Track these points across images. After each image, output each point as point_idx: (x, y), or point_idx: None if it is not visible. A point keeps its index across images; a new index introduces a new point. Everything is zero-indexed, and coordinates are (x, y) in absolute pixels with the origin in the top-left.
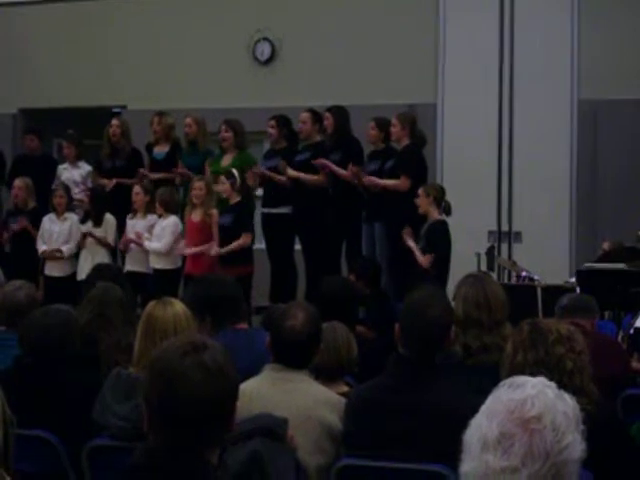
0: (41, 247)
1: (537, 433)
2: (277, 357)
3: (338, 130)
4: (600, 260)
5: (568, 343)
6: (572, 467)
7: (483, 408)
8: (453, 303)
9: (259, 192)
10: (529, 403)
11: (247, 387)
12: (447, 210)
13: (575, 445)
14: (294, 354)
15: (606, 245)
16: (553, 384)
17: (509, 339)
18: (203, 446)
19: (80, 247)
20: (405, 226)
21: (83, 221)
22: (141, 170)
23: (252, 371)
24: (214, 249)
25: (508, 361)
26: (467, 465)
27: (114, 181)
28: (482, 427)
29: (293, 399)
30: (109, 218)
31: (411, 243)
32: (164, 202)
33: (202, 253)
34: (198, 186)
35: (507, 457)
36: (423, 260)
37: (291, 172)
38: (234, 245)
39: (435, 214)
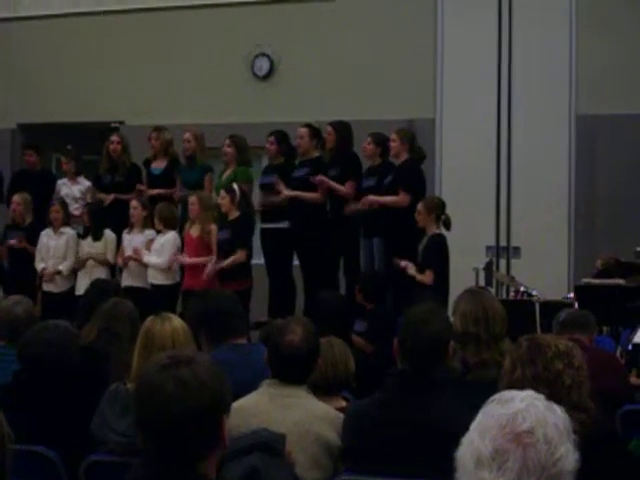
0: (39, 265)
1: (530, 447)
2: (275, 372)
3: (338, 145)
4: (595, 277)
5: (567, 358)
6: (567, 478)
7: (474, 425)
8: (452, 318)
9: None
10: (520, 417)
11: (245, 403)
12: (447, 224)
13: (568, 456)
14: (292, 369)
15: (599, 263)
16: (542, 396)
17: (507, 354)
18: (190, 459)
19: (80, 266)
20: (405, 242)
21: (83, 237)
22: (139, 186)
23: (250, 386)
24: (210, 266)
25: (506, 377)
26: None
27: (112, 196)
28: (475, 444)
29: (291, 414)
30: (109, 234)
31: (406, 266)
32: (163, 218)
33: (200, 268)
34: (191, 201)
35: (502, 473)
36: (424, 278)
37: (287, 192)
38: (229, 261)
39: (433, 228)
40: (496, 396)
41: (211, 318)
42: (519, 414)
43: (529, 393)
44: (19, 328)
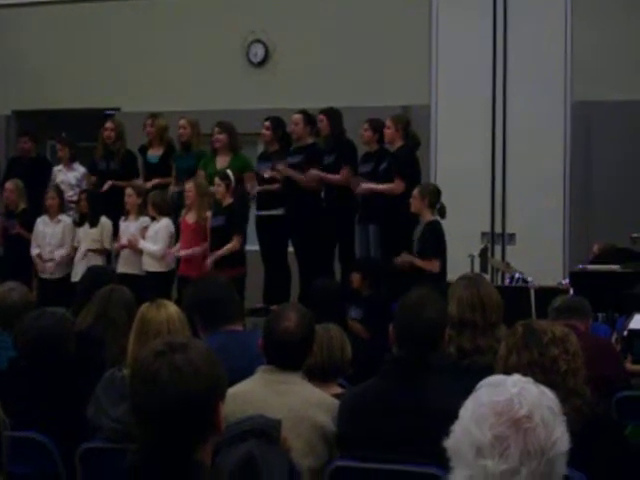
0: (34, 251)
1: (530, 431)
2: (270, 359)
3: (333, 133)
4: (591, 263)
5: (562, 345)
6: (562, 460)
7: (467, 414)
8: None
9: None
10: (516, 403)
11: (240, 389)
12: (442, 212)
13: (563, 438)
14: (287, 356)
15: (595, 248)
16: (530, 380)
17: (503, 340)
18: (186, 446)
19: (75, 255)
20: (400, 229)
21: (80, 224)
22: (134, 182)
23: (246, 372)
24: (209, 257)
25: (502, 362)
26: (462, 472)
27: (110, 183)
28: (472, 433)
29: (286, 401)
30: (105, 221)
31: (410, 259)
32: (156, 205)
33: (196, 254)
34: (188, 188)
35: (505, 459)
36: (430, 265)
37: (287, 170)
38: (224, 250)
39: (428, 215)
40: (484, 382)
41: (205, 305)
42: (515, 399)
43: (518, 377)
44: (14, 314)
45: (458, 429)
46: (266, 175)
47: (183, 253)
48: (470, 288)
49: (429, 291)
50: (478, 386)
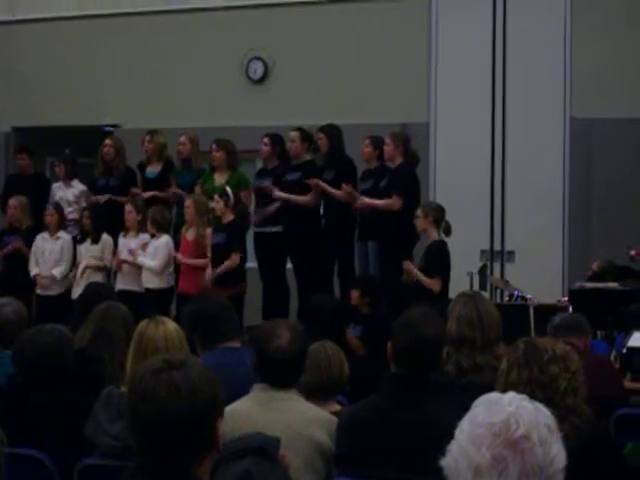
0: (33, 270)
1: (528, 452)
2: (264, 377)
3: (332, 149)
4: (590, 280)
5: (563, 363)
6: (560, 476)
7: (463, 434)
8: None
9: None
10: (513, 423)
11: (236, 407)
12: (447, 230)
13: (560, 454)
14: (281, 374)
15: (595, 265)
16: (526, 397)
17: (504, 356)
18: (184, 463)
19: (75, 272)
20: (400, 246)
21: (81, 240)
22: (133, 190)
23: (245, 389)
24: (207, 273)
25: (502, 378)
26: None
27: (107, 196)
28: (470, 454)
29: (283, 418)
30: (106, 238)
31: (416, 272)
32: (156, 221)
33: (195, 272)
34: (187, 204)
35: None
36: (432, 284)
37: (279, 194)
38: (223, 267)
39: (434, 234)
40: (480, 400)
41: (204, 322)
42: (511, 419)
43: (513, 395)
44: (9, 330)
45: (455, 449)
46: (276, 193)
47: (186, 260)
48: (469, 305)
49: (428, 309)
50: (474, 405)
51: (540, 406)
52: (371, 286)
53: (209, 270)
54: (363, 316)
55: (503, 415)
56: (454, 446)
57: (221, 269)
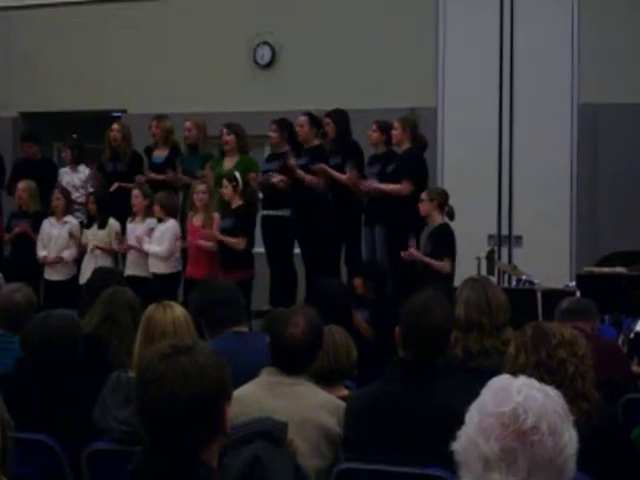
0: (41, 252)
1: (537, 443)
2: (275, 362)
3: (338, 134)
4: (598, 265)
5: (570, 347)
6: (572, 461)
7: (473, 423)
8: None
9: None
10: (521, 413)
11: (244, 391)
12: (450, 215)
13: (572, 441)
14: (292, 361)
15: None
16: (535, 382)
17: (512, 340)
18: (192, 447)
19: (83, 253)
20: (406, 231)
21: (88, 225)
22: (139, 177)
23: (253, 373)
24: (211, 235)
25: (510, 362)
26: None
27: (116, 185)
28: (479, 445)
29: (290, 403)
30: (113, 223)
31: (420, 255)
32: (164, 206)
33: (202, 257)
34: (201, 189)
35: (513, 472)
36: (442, 266)
37: (298, 172)
38: (228, 240)
39: (438, 218)
40: (489, 386)
41: (211, 307)
42: (520, 409)
43: (522, 381)
44: (18, 315)
45: (464, 438)
46: (274, 180)
47: (195, 241)
48: (477, 290)
49: (435, 294)
50: (483, 391)
51: (550, 391)
52: (372, 272)
53: (216, 232)
54: (369, 300)
55: (512, 404)
56: (463, 434)
57: (226, 240)
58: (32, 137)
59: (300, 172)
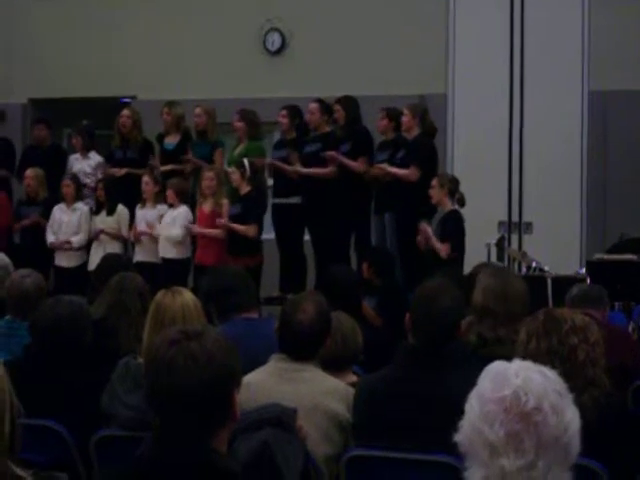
0: (50, 238)
1: (542, 423)
2: (283, 348)
3: (348, 121)
4: (608, 252)
5: (582, 334)
6: (576, 437)
7: (474, 411)
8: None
9: (270, 182)
10: (522, 395)
11: (253, 378)
12: (461, 202)
13: (575, 418)
14: (300, 347)
15: None
16: (531, 364)
17: (523, 327)
18: (202, 433)
19: (92, 239)
20: (416, 218)
21: (96, 212)
22: (150, 163)
23: (262, 360)
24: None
25: (521, 348)
26: (478, 472)
27: (124, 170)
28: (484, 432)
29: (300, 389)
30: (122, 209)
31: (429, 232)
32: (178, 192)
33: (212, 243)
34: (209, 176)
35: (521, 455)
36: (441, 248)
37: (301, 169)
38: (238, 228)
39: (449, 205)
40: (485, 373)
41: (220, 293)
42: (520, 392)
43: (519, 364)
44: (28, 302)
45: (467, 427)
46: (299, 168)
47: (201, 230)
48: (497, 278)
49: (445, 281)
50: (480, 379)
51: (547, 372)
52: (378, 258)
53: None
54: (377, 288)
55: (512, 388)
56: (466, 423)
57: (236, 228)
58: (45, 120)
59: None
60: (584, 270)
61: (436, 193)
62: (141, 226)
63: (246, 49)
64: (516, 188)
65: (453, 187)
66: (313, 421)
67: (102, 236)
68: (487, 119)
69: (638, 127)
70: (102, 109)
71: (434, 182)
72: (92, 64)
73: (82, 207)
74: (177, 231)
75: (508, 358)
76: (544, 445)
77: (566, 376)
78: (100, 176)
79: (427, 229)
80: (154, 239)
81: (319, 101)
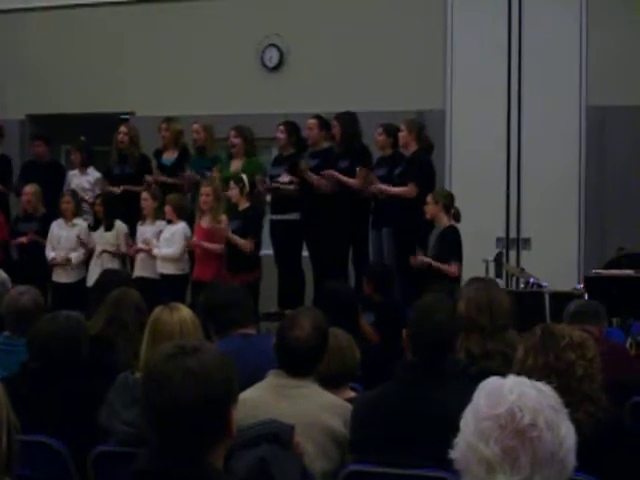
0: (50, 254)
1: (537, 440)
2: (281, 364)
3: (346, 137)
4: (606, 267)
5: (580, 349)
6: (572, 452)
7: (469, 428)
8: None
9: (268, 198)
10: (517, 411)
11: (251, 394)
12: (457, 217)
13: (569, 433)
14: (298, 363)
15: None
16: (526, 380)
17: (520, 343)
18: (198, 449)
19: (91, 255)
20: (414, 233)
21: (94, 228)
22: (148, 178)
23: (259, 376)
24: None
25: (519, 364)
26: None
27: (121, 188)
28: (479, 449)
29: (297, 405)
30: (120, 225)
31: (428, 260)
32: (177, 207)
33: (210, 259)
34: (205, 192)
35: (517, 471)
36: (451, 269)
37: (310, 175)
38: (237, 240)
39: (445, 220)
40: (480, 389)
41: (218, 309)
42: (514, 408)
43: (513, 380)
44: (26, 318)
45: (462, 445)
46: (285, 179)
47: (203, 244)
48: (479, 290)
49: (442, 296)
50: (475, 395)
51: (542, 387)
52: (376, 274)
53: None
54: (375, 304)
55: (506, 405)
56: (461, 440)
57: (236, 240)
58: (43, 136)
59: (311, 175)
60: (582, 286)
61: (431, 209)
62: (141, 242)
63: (244, 65)
64: (514, 204)
65: (448, 203)
66: (310, 437)
67: (103, 254)
68: (485, 135)
69: (636, 142)
70: (100, 125)
71: (429, 198)
72: (91, 80)
73: (81, 223)
74: (171, 249)
75: (498, 372)
76: (540, 461)
77: (562, 391)
78: (98, 192)
79: (424, 260)
80: (152, 255)
81: (318, 117)
